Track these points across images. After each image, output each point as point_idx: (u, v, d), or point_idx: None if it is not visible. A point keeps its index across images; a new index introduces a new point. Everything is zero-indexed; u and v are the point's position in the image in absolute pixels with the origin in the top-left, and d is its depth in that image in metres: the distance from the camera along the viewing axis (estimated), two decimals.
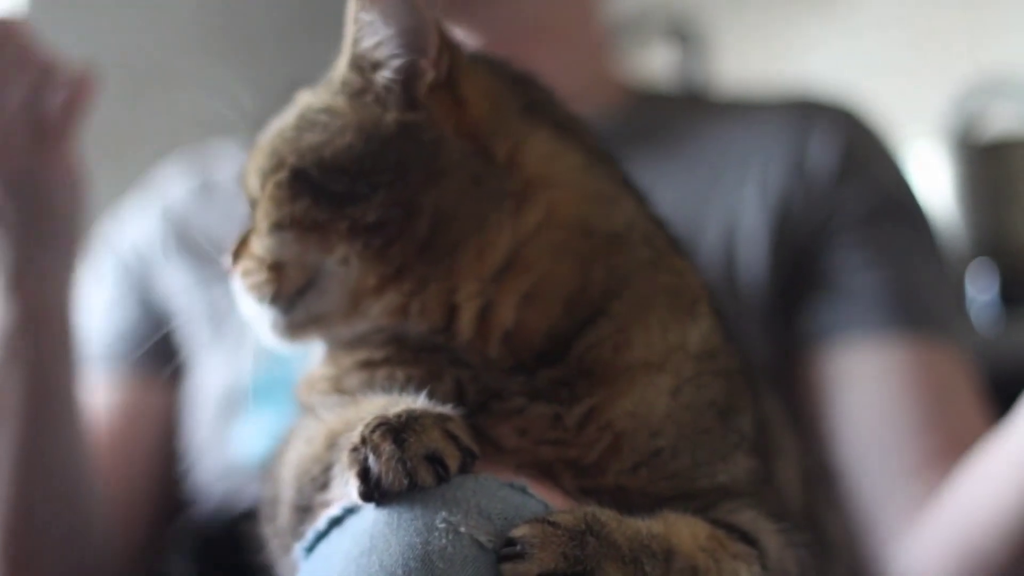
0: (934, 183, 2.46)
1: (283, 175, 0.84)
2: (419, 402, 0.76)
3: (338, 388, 0.86)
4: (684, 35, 2.84)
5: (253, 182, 0.88)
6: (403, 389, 0.80)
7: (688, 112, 1.41)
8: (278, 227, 0.84)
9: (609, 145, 0.95)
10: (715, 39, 3.01)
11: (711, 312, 0.90)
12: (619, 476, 0.82)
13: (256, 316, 0.88)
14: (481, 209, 0.83)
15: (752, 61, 3.14)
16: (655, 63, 2.87)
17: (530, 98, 0.90)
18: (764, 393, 0.98)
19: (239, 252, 0.88)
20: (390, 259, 0.82)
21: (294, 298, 0.85)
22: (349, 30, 0.86)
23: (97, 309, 1.41)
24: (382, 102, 0.84)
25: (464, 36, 1.33)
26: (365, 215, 0.81)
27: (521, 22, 1.34)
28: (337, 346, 0.88)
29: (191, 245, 1.37)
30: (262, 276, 0.85)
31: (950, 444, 1.14)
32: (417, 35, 0.83)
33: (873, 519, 1.16)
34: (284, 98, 0.92)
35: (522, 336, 0.83)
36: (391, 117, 0.83)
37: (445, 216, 0.82)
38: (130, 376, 1.36)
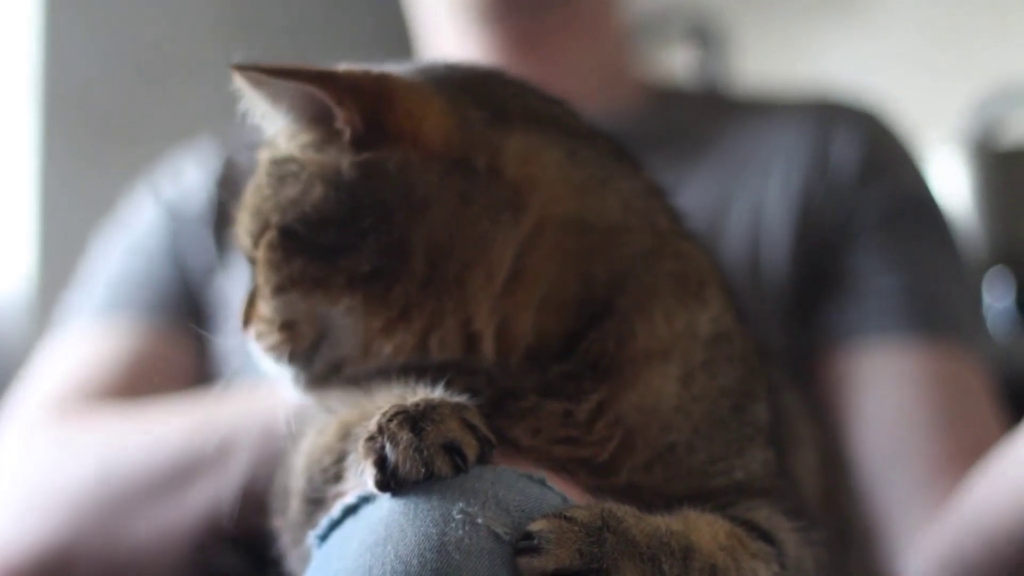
0: (952, 189, 2.46)
1: (272, 235, 0.83)
2: (436, 392, 0.75)
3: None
4: (704, 35, 2.83)
5: (246, 242, 0.86)
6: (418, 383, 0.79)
7: (710, 111, 1.41)
8: (281, 289, 0.83)
9: (629, 143, 0.93)
10: (735, 39, 3.00)
11: (721, 293, 0.87)
12: (633, 474, 0.80)
13: (278, 374, 0.87)
14: (479, 229, 0.80)
15: (772, 62, 3.13)
16: (675, 63, 2.87)
17: (492, 100, 0.86)
18: (781, 381, 0.97)
19: (248, 314, 0.87)
20: (392, 302, 0.80)
21: (310, 353, 0.84)
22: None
23: (128, 246, 1.38)
24: (337, 149, 0.82)
25: (479, 39, 1.32)
26: (359, 265, 0.80)
27: (551, 16, 1.33)
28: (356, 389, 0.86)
29: (221, 220, 1.32)
30: (275, 337, 0.84)
31: (965, 450, 1.13)
32: (309, 103, 0.81)
33: (887, 524, 1.15)
34: None
35: (542, 343, 0.82)
36: (346, 161, 0.81)
37: (441, 247, 0.80)
38: (159, 327, 1.31)
